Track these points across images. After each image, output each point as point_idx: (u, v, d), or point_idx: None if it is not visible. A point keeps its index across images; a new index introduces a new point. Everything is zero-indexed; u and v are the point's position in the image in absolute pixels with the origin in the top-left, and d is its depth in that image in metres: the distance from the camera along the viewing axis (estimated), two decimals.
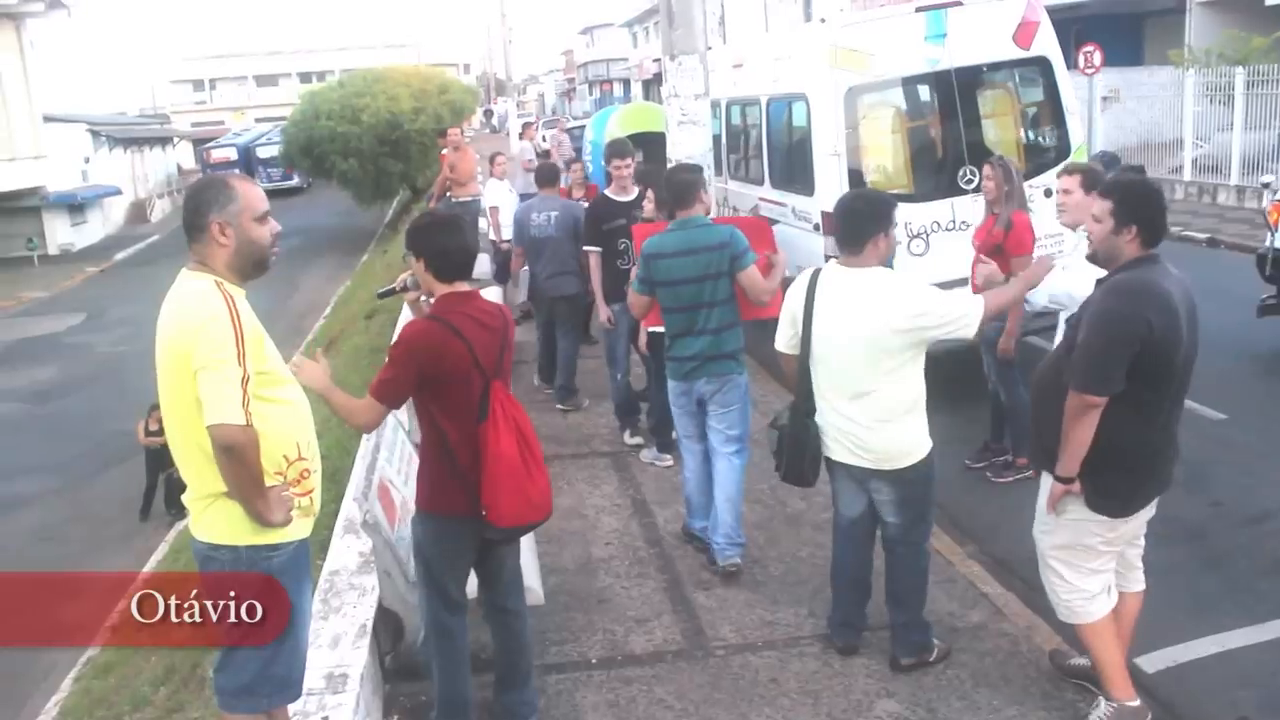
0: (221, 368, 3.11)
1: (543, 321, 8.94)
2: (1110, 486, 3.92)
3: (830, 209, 7.18)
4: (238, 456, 3.12)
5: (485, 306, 4.07)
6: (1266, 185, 16.27)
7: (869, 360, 4.31)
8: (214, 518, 3.29)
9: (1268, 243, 9.48)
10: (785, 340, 4.67)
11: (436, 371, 3.85)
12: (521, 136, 18.38)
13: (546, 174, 9.39)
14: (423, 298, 4.30)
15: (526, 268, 9.36)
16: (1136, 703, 4.15)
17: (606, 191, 8.03)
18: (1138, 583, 4.30)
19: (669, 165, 7.15)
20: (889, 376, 4.30)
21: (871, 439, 4.40)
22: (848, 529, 4.74)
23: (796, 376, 4.64)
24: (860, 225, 4.39)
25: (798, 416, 4.64)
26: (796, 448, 4.65)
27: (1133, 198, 3.91)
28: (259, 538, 3.27)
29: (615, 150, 8.13)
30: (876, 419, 4.36)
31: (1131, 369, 3.74)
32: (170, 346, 3.21)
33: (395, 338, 4.08)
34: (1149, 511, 4.11)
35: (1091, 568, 4.07)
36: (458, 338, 3.85)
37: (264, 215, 3.38)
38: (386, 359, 4.00)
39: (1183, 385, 3.90)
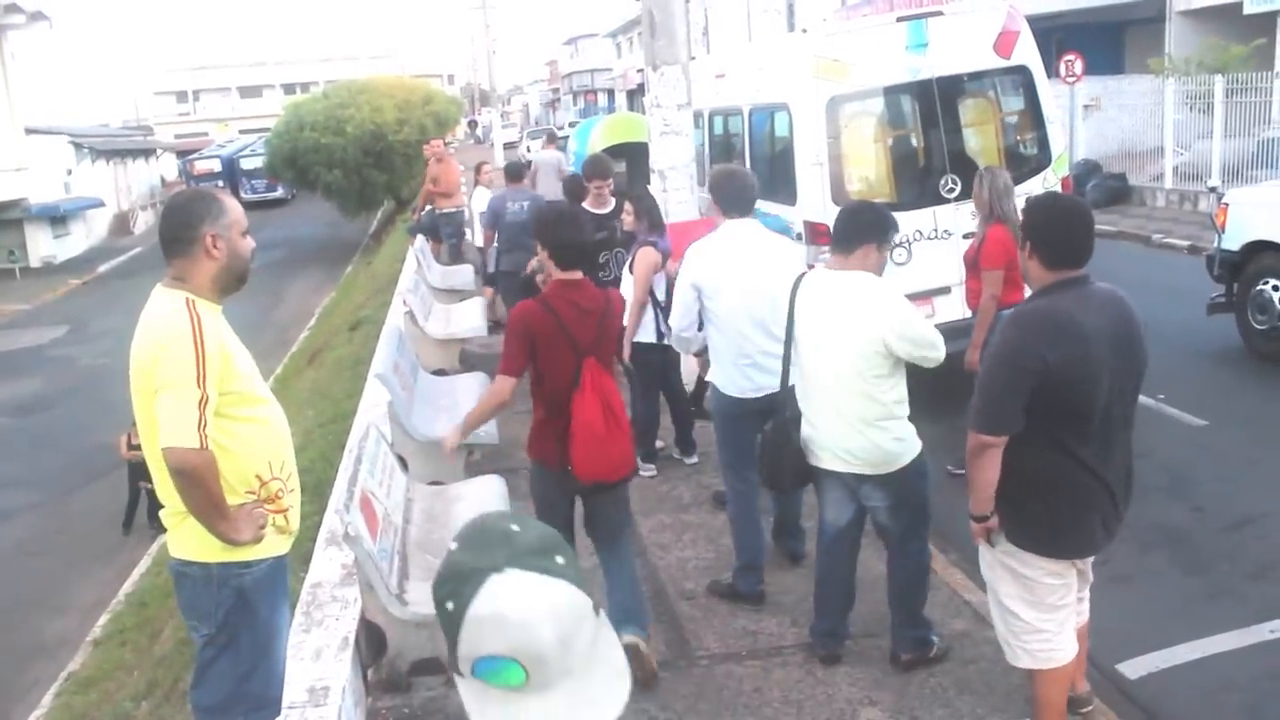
0: (178, 389, 3.09)
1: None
2: (1029, 522, 3.69)
3: (812, 218, 7.25)
4: (191, 479, 3.10)
5: (589, 293, 4.59)
6: (1213, 189, 16.43)
7: (854, 364, 4.29)
8: (186, 534, 3.28)
9: (1216, 244, 9.74)
10: None
11: (536, 343, 4.43)
12: (544, 146, 18.45)
13: (515, 170, 11.36)
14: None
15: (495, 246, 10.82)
16: None
17: (586, 205, 8.08)
18: (1080, 614, 4.03)
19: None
20: (875, 380, 4.28)
21: (860, 444, 4.36)
22: (834, 538, 4.70)
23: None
24: (858, 229, 4.41)
25: (779, 423, 4.64)
26: (775, 453, 4.66)
27: (1032, 214, 3.75)
28: (230, 555, 3.25)
29: (596, 170, 8.21)
30: (865, 422, 4.33)
31: (1036, 404, 3.50)
32: (140, 364, 3.21)
33: (507, 320, 4.73)
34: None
35: (1052, 602, 3.77)
36: (554, 316, 4.43)
37: (246, 230, 3.39)
38: (503, 339, 4.60)
39: (1111, 420, 3.58)
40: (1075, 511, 3.66)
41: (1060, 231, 3.62)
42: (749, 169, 9.76)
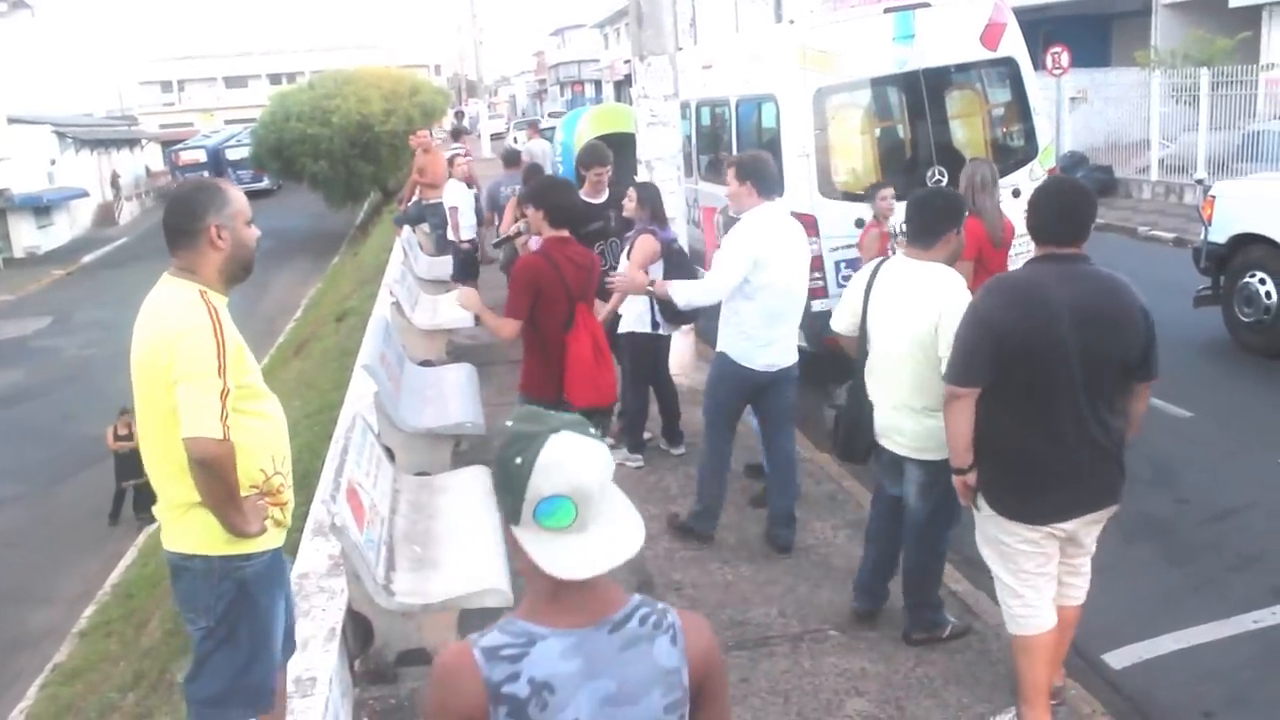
0: (202, 380, 3.06)
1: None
2: (996, 485, 3.89)
3: (799, 210, 7.24)
4: (213, 470, 3.07)
5: (578, 249, 5.38)
6: (1200, 182, 16.51)
7: (913, 351, 4.36)
8: (186, 527, 3.25)
9: (1202, 237, 9.81)
10: (843, 323, 4.81)
11: (539, 291, 5.12)
12: (530, 137, 19.23)
13: (511, 157, 12.51)
14: (532, 240, 5.78)
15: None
16: None
17: (581, 194, 7.89)
18: (1067, 598, 4.10)
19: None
20: (932, 370, 4.30)
21: (911, 427, 4.45)
22: (888, 502, 4.83)
23: (856, 358, 4.73)
24: (936, 220, 4.47)
25: (855, 397, 4.72)
26: (851, 426, 4.79)
27: (1032, 194, 3.97)
28: (232, 548, 3.24)
29: (595, 158, 7.95)
30: (914, 409, 4.42)
31: (1005, 374, 3.71)
32: (149, 354, 3.15)
33: (513, 272, 5.37)
34: (1079, 526, 3.92)
35: (1029, 569, 3.92)
36: (555, 269, 5.16)
37: (250, 219, 3.35)
38: (509, 289, 5.25)
39: (1080, 393, 3.70)
40: (1040, 479, 3.81)
41: (1045, 210, 3.81)
42: None
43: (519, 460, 1.77)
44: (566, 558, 1.78)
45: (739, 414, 5.85)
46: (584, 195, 7.74)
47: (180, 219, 3.24)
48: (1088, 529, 3.97)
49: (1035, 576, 3.93)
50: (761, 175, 5.48)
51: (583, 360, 5.19)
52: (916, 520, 4.66)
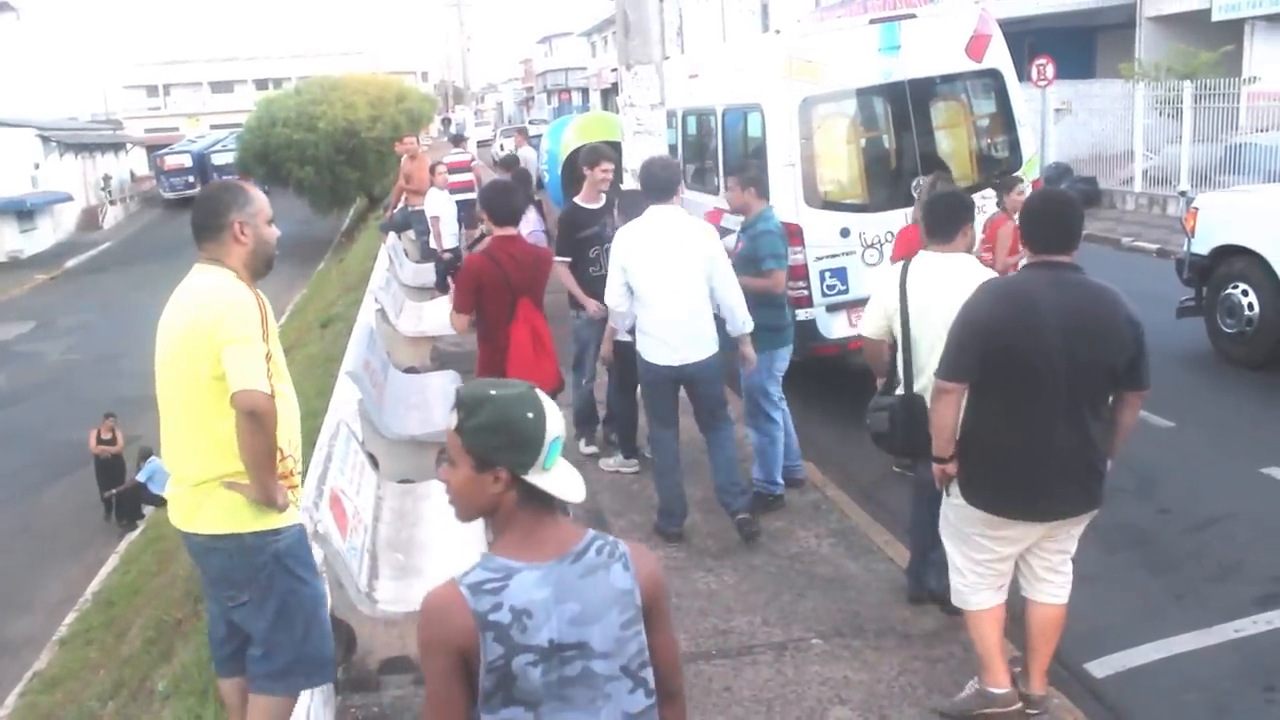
0: (250, 342, 3.30)
1: None
2: (971, 477, 4.05)
3: (785, 219, 7.24)
4: (261, 422, 3.26)
5: (523, 246, 5.87)
6: (1183, 194, 16.59)
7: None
8: (212, 508, 3.40)
9: (1185, 248, 9.85)
10: (875, 325, 4.93)
11: (481, 286, 5.63)
12: (518, 145, 19.62)
13: (507, 161, 12.52)
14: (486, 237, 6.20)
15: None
16: (1002, 690, 4.22)
17: (578, 200, 7.82)
18: (1046, 595, 4.23)
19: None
20: None
21: None
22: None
23: (888, 358, 4.92)
24: (953, 215, 4.78)
25: (909, 398, 4.78)
26: (910, 424, 4.72)
27: (1024, 205, 4.30)
28: (260, 523, 3.40)
29: (602, 155, 7.82)
30: None
31: (991, 373, 3.88)
32: (189, 328, 3.34)
33: (460, 270, 6.07)
34: (1052, 529, 4.05)
35: (977, 559, 4.16)
36: (497, 266, 5.62)
37: (271, 218, 3.61)
38: (454, 286, 6.01)
39: (1062, 396, 3.83)
40: (1018, 477, 3.94)
41: (1035, 221, 4.02)
42: (722, 168, 9.84)
43: (530, 414, 2.13)
44: (574, 485, 2.20)
45: (670, 410, 6.08)
46: (581, 201, 7.68)
47: (206, 215, 3.51)
48: (1064, 531, 4.09)
49: (984, 565, 4.17)
50: (648, 181, 6.01)
51: (523, 349, 5.62)
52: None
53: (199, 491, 3.40)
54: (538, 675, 2.11)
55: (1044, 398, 3.84)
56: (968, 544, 4.19)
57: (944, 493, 4.23)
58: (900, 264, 4.92)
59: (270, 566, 3.47)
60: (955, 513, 4.20)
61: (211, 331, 3.28)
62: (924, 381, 4.67)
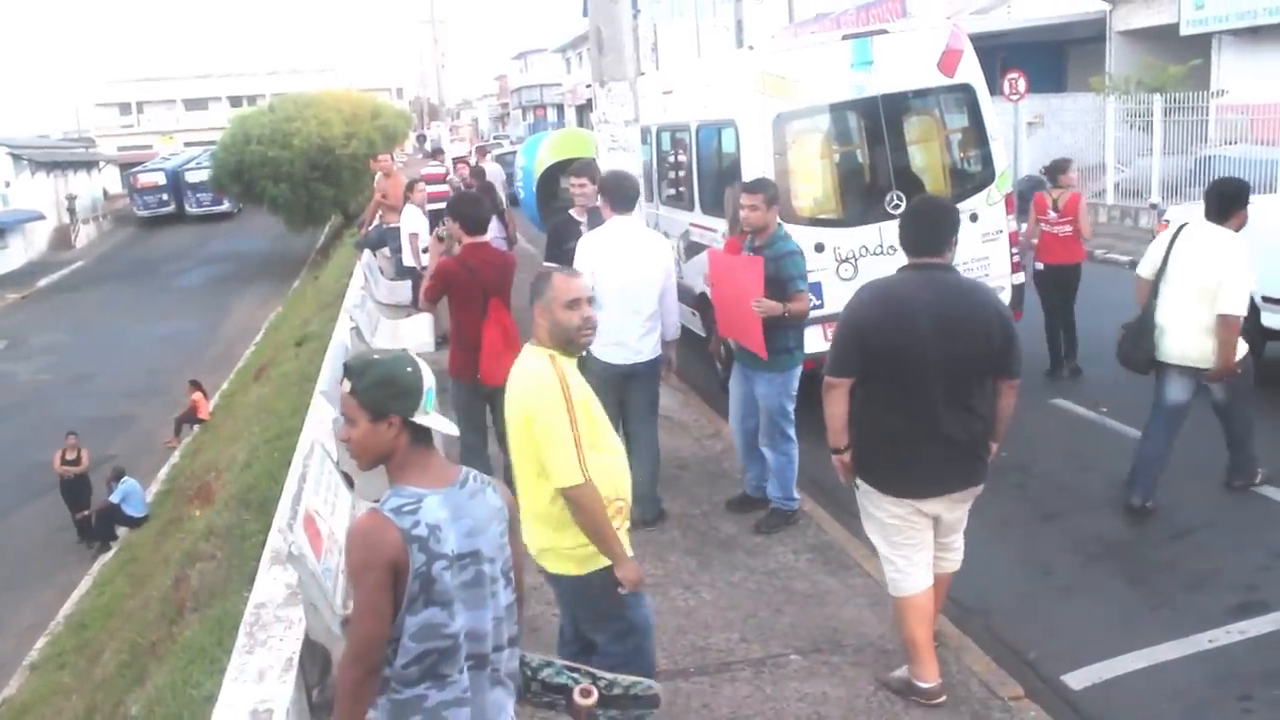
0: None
1: None
2: (870, 462, 4.40)
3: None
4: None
5: (493, 252, 6.51)
6: (1154, 206, 16.72)
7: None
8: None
9: None
10: (1149, 269, 6.47)
11: (449, 287, 6.23)
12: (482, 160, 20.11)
13: (475, 172, 14.57)
14: (455, 246, 6.77)
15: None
16: (929, 685, 4.50)
17: (570, 212, 7.85)
18: (941, 568, 4.59)
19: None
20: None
21: (1202, 347, 6.15)
22: (1172, 411, 6.43)
23: (1147, 295, 6.41)
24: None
25: (1142, 319, 6.38)
26: (1135, 340, 6.42)
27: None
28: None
29: (587, 169, 7.86)
30: (1208, 327, 6.08)
31: (874, 367, 4.25)
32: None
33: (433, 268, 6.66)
34: (943, 506, 4.39)
35: (898, 542, 4.44)
36: (469, 272, 6.17)
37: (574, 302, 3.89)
38: (428, 278, 6.64)
39: (937, 384, 4.16)
40: (904, 458, 4.31)
41: (910, 226, 4.37)
42: (697, 184, 9.85)
43: (410, 369, 2.71)
44: (449, 423, 2.93)
45: (613, 406, 6.11)
46: (573, 214, 7.73)
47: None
48: (951, 509, 4.44)
49: (907, 546, 4.44)
50: (614, 192, 6.39)
51: (494, 346, 6.10)
52: (1223, 401, 6.61)
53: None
54: (449, 579, 2.68)
55: (922, 387, 4.19)
56: (889, 531, 4.45)
57: (853, 486, 4.54)
58: (1176, 225, 6.44)
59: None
60: (868, 500, 4.49)
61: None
62: (1171, 316, 6.24)
